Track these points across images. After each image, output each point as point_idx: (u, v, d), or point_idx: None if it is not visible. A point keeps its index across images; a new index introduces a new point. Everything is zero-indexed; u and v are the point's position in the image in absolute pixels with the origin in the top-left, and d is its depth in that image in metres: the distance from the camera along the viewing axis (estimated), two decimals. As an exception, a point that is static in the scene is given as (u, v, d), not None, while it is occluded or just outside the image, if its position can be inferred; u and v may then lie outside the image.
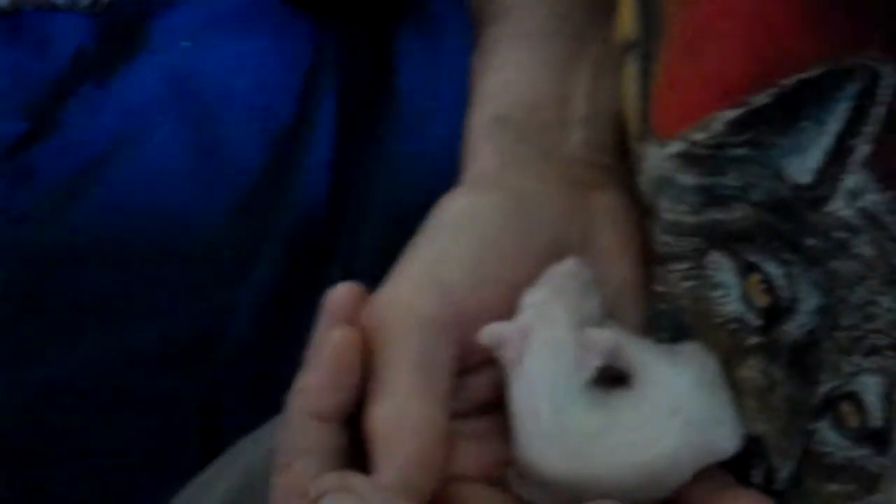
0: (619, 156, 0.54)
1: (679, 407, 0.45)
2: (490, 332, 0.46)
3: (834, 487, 0.46)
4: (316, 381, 0.46)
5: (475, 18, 0.61)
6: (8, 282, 0.83)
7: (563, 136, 0.54)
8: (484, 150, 0.54)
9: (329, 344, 0.47)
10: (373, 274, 0.79)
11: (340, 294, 0.49)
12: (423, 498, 0.45)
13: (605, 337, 0.46)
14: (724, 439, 0.46)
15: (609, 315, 0.50)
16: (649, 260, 0.51)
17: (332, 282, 0.79)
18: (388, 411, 0.46)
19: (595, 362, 0.46)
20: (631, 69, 0.52)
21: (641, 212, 0.51)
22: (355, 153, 0.86)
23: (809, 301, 0.46)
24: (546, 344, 0.46)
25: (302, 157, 0.85)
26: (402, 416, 0.46)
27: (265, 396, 0.76)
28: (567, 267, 0.48)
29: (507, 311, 0.48)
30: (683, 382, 0.46)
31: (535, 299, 0.47)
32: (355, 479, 0.44)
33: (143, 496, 0.75)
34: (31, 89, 0.87)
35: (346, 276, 0.80)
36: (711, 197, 0.47)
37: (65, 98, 0.87)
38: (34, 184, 0.85)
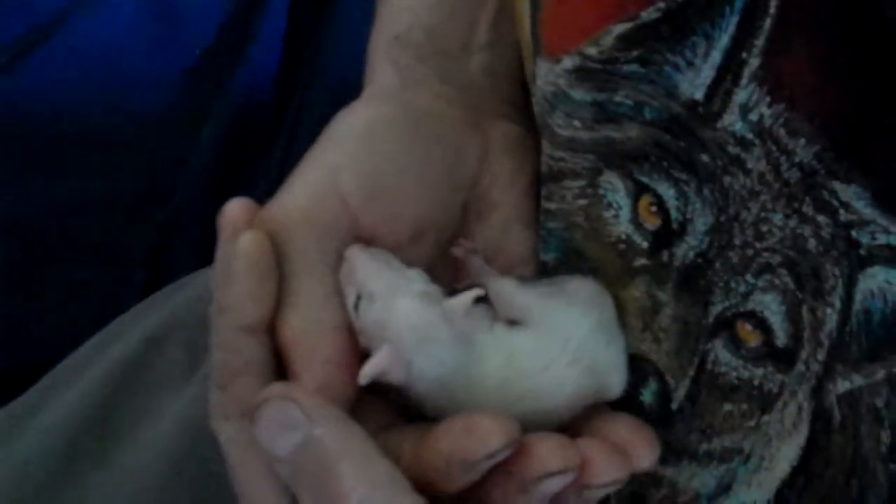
0: (519, 85, 0.54)
1: (579, 355, 0.45)
2: (367, 373, 0.44)
3: (728, 407, 0.46)
4: (238, 295, 0.45)
5: None
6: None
7: (463, 61, 0.54)
8: (384, 67, 0.54)
9: (241, 254, 0.45)
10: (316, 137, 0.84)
11: (236, 208, 0.46)
12: (345, 405, 0.44)
13: (461, 300, 0.44)
14: (617, 384, 0.46)
15: (500, 244, 0.50)
16: (542, 178, 0.50)
17: (278, 144, 0.85)
18: (301, 319, 0.45)
19: (474, 325, 0.45)
20: None
21: (537, 141, 0.51)
22: (307, 27, 0.89)
23: (701, 221, 0.45)
24: (421, 343, 0.44)
25: (256, 25, 0.89)
26: (316, 322, 0.45)
27: (208, 251, 0.81)
28: (363, 254, 0.46)
29: (400, 223, 0.48)
30: (584, 328, 0.45)
31: (371, 307, 0.45)
32: (298, 390, 0.43)
33: (77, 340, 0.77)
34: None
35: (291, 138, 0.85)
36: (605, 113, 0.47)
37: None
38: (-9, 38, 0.87)
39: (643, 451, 0.45)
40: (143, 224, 0.84)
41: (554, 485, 0.43)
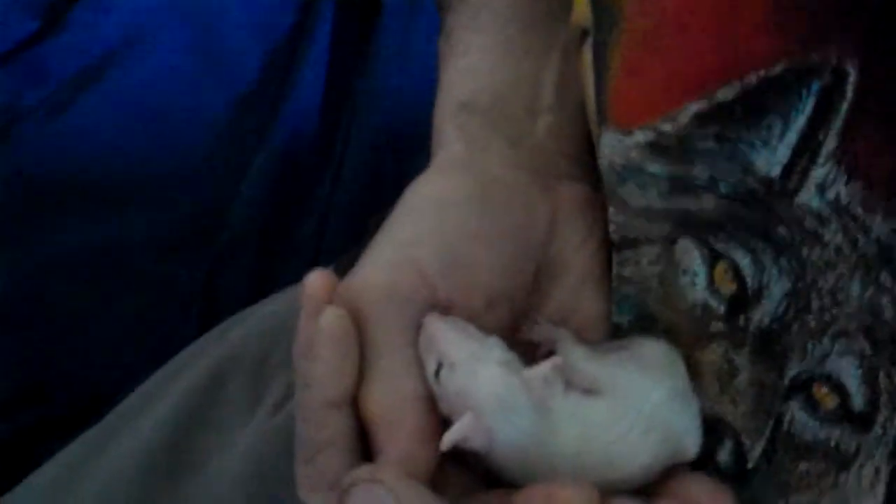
0: (587, 145, 0.54)
1: (653, 423, 0.46)
2: (449, 440, 0.45)
3: (805, 466, 0.47)
4: (322, 372, 0.46)
5: (440, 2, 0.60)
6: (15, 172, 0.87)
7: (530, 123, 0.54)
8: (451, 135, 0.54)
9: (324, 331, 0.46)
10: (359, 181, 0.86)
11: (316, 282, 0.47)
12: (428, 474, 0.45)
13: (541, 370, 0.45)
14: (692, 447, 0.47)
15: (573, 305, 0.51)
16: (615, 245, 0.50)
17: (326, 176, 0.86)
18: (383, 392, 0.46)
19: (551, 394, 0.46)
20: (587, 57, 0.52)
21: (606, 202, 0.51)
22: (350, 59, 0.91)
23: (778, 287, 0.46)
24: (502, 411, 0.45)
25: (298, 68, 0.90)
26: (398, 394, 0.46)
27: (259, 287, 0.83)
28: (442, 323, 0.47)
29: (476, 291, 0.48)
30: (658, 396, 0.46)
31: (452, 375, 0.46)
32: (384, 472, 0.44)
33: (137, 375, 0.78)
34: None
35: (338, 170, 0.87)
36: (680, 186, 0.48)
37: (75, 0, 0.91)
38: (42, 81, 0.89)
39: None
40: (196, 259, 0.85)
41: None
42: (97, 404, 0.70)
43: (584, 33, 0.52)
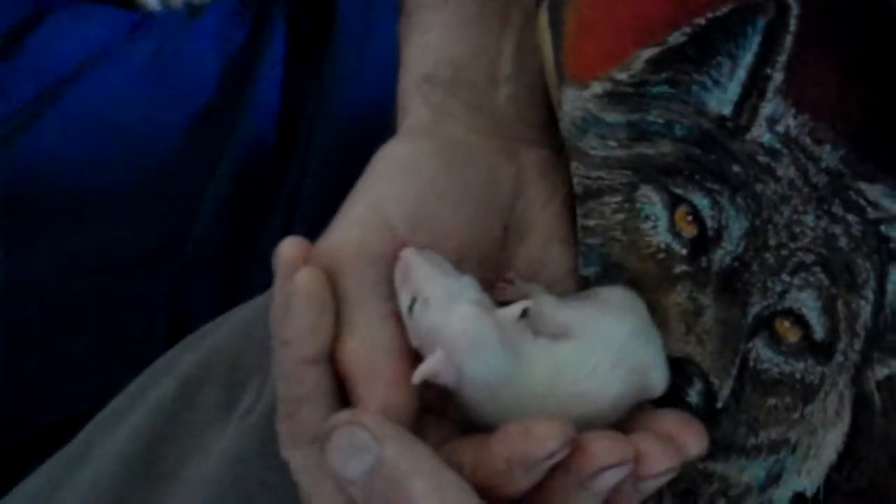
0: (547, 113, 0.56)
1: (620, 357, 0.47)
2: (420, 374, 0.46)
3: (772, 401, 0.48)
4: (298, 328, 0.47)
5: None
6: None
7: (491, 92, 0.56)
8: (415, 104, 0.56)
9: (299, 290, 0.47)
10: (323, 185, 0.86)
11: (290, 247, 0.49)
12: (408, 423, 0.46)
13: (513, 310, 0.46)
14: (658, 381, 0.48)
15: (540, 262, 0.52)
16: (579, 198, 0.52)
17: (289, 180, 0.86)
18: (360, 344, 0.47)
19: (521, 339, 0.47)
20: (544, 18, 0.54)
21: (567, 162, 0.53)
22: (304, 78, 0.92)
23: (736, 226, 0.48)
24: (473, 349, 0.46)
25: (255, 79, 0.91)
26: (374, 346, 0.47)
27: (227, 298, 0.83)
28: (418, 257, 0.48)
29: (445, 246, 0.50)
30: (622, 332, 0.48)
31: (426, 311, 0.47)
32: (364, 415, 0.45)
33: (107, 392, 0.77)
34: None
35: (301, 174, 0.87)
36: (638, 132, 0.49)
37: (33, 25, 0.91)
38: (3, 101, 0.90)
39: (693, 440, 0.47)
40: (161, 274, 0.85)
41: (611, 478, 0.45)
42: (71, 422, 0.70)
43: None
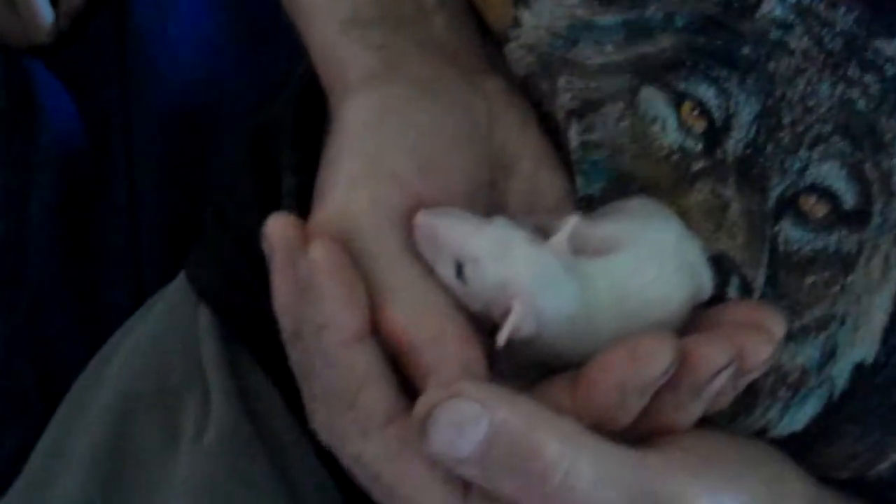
0: (483, 38, 0.53)
1: (679, 261, 0.45)
2: (505, 332, 0.43)
3: (810, 279, 0.47)
4: (333, 308, 0.42)
5: None
6: None
7: (427, 24, 0.52)
8: (353, 53, 0.50)
9: (320, 266, 0.42)
10: (157, 180, 0.82)
11: (280, 226, 0.44)
12: (485, 377, 0.43)
13: (563, 234, 0.44)
14: (707, 284, 0.47)
15: (534, 191, 0.50)
16: (576, 113, 0.50)
17: (119, 198, 0.82)
18: (409, 307, 0.43)
19: (576, 261, 0.44)
20: None
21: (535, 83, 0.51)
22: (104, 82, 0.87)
23: (746, 111, 0.47)
24: (547, 287, 0.43)
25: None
26: (426, 308, 0.43)
27: (84, 323, 0.79)
28: (440, 220, 0.44)
29: (454, 188, 0.46)
30: (671, 236, 0.46)
31: (480, 269, 0.44)
32: (462, 384, 0.41)
33: None
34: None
35: (131, 189, 0.83)
36: (636, 31, 0.48)
37: None
38: None
39: (775, 319, 0.45)
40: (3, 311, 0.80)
41: (722, 380, 0.43)
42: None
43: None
